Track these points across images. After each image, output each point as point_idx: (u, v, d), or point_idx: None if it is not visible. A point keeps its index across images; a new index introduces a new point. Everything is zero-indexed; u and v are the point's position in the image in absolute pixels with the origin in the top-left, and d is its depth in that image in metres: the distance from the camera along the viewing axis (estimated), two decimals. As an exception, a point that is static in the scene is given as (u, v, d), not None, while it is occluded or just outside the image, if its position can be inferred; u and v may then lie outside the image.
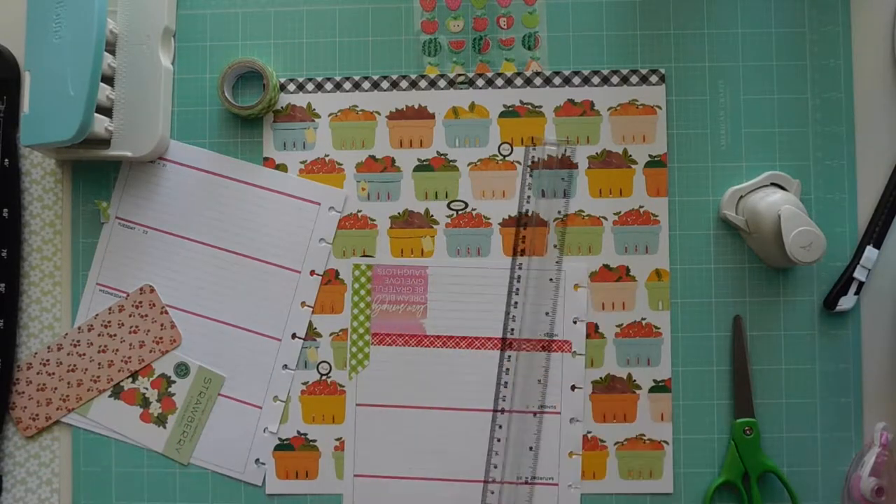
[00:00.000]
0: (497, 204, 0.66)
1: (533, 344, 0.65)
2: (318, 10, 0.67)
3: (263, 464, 0.65)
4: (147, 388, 0.66)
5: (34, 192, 0.67)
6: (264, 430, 0.65)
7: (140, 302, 0.66)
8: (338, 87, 0.67)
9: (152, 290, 0.66)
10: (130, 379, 0.66)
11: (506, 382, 0.65)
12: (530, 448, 0.64)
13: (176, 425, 0.66)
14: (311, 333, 0.66)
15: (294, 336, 0.66)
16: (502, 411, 0.64)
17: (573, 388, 0.65)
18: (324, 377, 0.66)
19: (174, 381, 0.66)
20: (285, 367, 0.66)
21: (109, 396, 0.66)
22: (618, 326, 0.65)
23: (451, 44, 0.67)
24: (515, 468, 0.64)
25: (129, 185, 0.67)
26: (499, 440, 0.64)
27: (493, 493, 0.64)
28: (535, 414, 0.64)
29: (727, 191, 0.65)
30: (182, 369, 0.66)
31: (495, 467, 0.64)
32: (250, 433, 0.65)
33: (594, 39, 0.66)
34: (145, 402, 0.66)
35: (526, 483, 0.64)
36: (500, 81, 0.66)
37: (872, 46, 0.66)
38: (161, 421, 0.66)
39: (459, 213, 0.66)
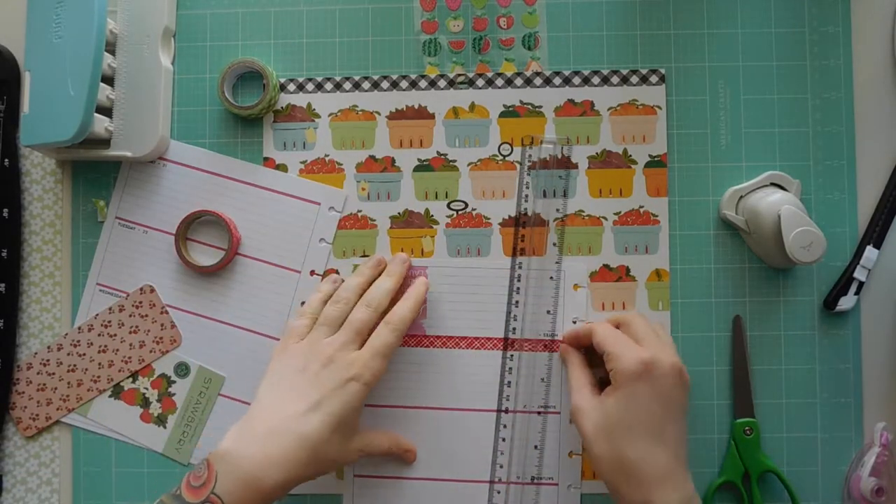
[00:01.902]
0: (497, 204, 0.66)
1: (533, 343, 0.65)
2: (318, 10, 0.67)
3: (263, 464, 0.65)
4: (147, 388, 0.66)
5: (34, 192, 0.67)
6: (264, 430, 0.65)
7: (140, 302, 0.66)
8: (338, 87, 0.67)
9: (152, 290, 0.66)
10: (130, 379, 0.66)
11: (509, 382, 0.65)
12: (535, 447, 0.64)
13: (176, 425, 0.66)
14: (311, 333, 0.66)
15: (294, 336, 0.66)
16: (507, 411, 0.64)
17: (573, 388, 0.65)
18: (324, 377, 0.66)
19: (174, 381, 0.66)
20: (285, 367, 0.66)
21: (109, 396, 0.66)
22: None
23: (451, 44, 0.67)
24: (521, 467, 0.64)
25: (128, 185, 0.67)
26: (504, 440, 0.64)
27: (499, 492, 0.64)
28: (539, 413, 0.64)
29: (727, 191, 0.65)
30: (182, 369, 0.66)
31: (501, 467, 0.64)
32: (250, 433, 0.65)
33: (594, 39, 0.66)
34: (145, 402, 0.66)
35: (532, 483, 0.64)
36: (500, 81, 0.66)
37: (872, 46, 0.66)
38: (161, 421, 0.66)
39: (459, 213, 0.66)
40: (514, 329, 0.65)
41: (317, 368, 0.57)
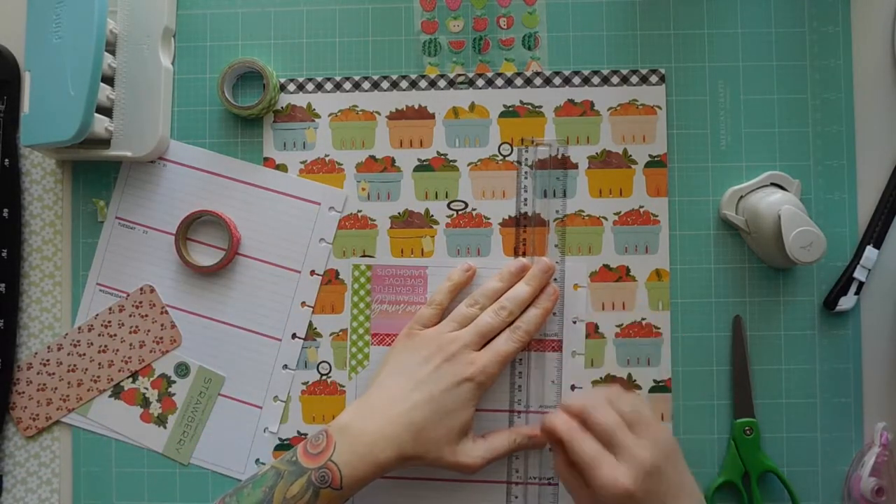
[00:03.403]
0: (497, 204, 0.66)
1: (538, 344, 0.65)
2: (318, 10, 0.67)
3: (264, 464, 0.65)
4: (147, 388, 0.66)
5: (34, 192, 0.67)
6: (264, 430, 0.65)
7: (140, 302, 0.66)
8: (338, 87, 0.67)
9: (152, 290, 0.66)
10: (130, 379, 0.66)
11: (520, 386, 0.65)
12: (549, 449, 0.64)
13: (176, 425, 0.66)
14: (311, 333, 0.66)
15: (294, 336, 0.66)
16: (518, 413, 0.64)
17: (573, 387, 0.65)
18: (324, 377, 0.66)
19: (174, 381, 0.66)
20: (285, 367, 0.66)
21: (109, 396, 0.66)
22: (618, 326, 0.65)
23: (451, 44, 0.67)
24: (537, 468, 0.64)
25: (128, 185, 0.67)
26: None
27: (517, 497, 0.64)
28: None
29: (727, 191, 0.65)
30: (182, 369, 0.66)
31: (517, 472, 0.64)
32: (250, 433, 0.65)
33: (594, 39, 0.66)
34: (145, 402, 0.66)
35: (549, 483, 0.64)
36: (500, 81, 0.66)
37: (872, 46, 0.66)
38: (161, 421, 0.66)
39: (459, 213, 0.66)
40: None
41: (438, 363, 0.60)
